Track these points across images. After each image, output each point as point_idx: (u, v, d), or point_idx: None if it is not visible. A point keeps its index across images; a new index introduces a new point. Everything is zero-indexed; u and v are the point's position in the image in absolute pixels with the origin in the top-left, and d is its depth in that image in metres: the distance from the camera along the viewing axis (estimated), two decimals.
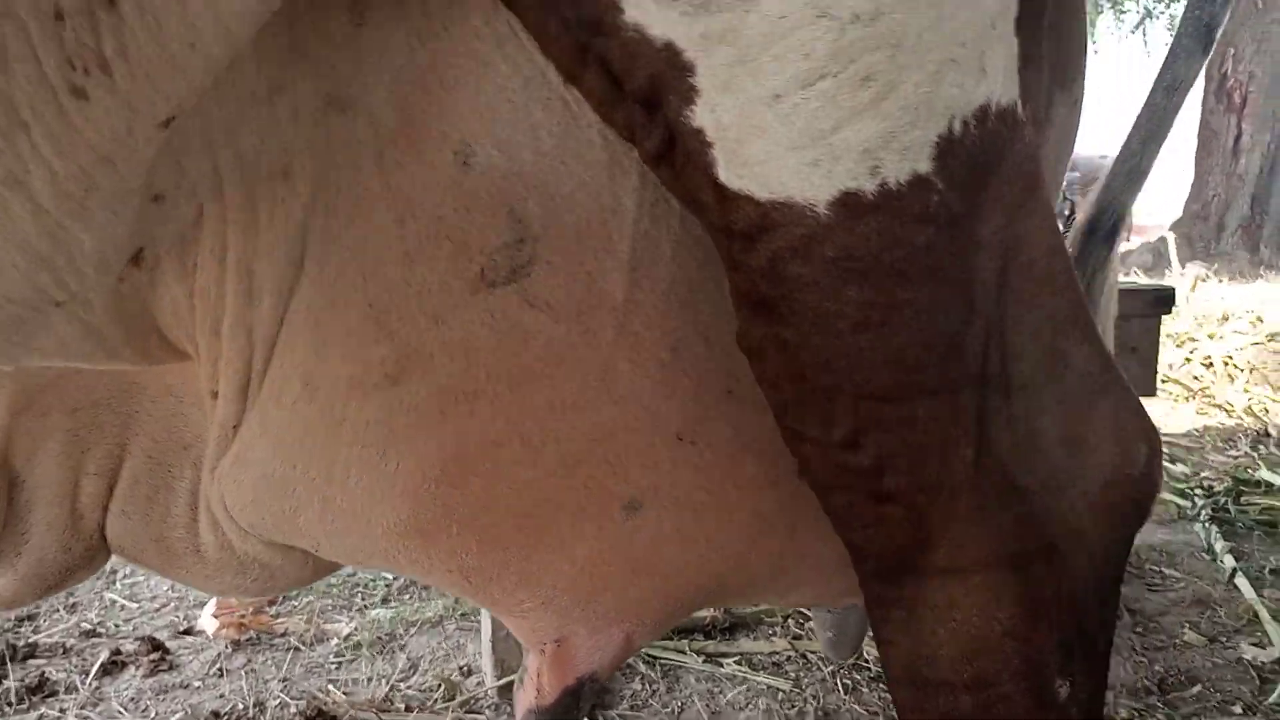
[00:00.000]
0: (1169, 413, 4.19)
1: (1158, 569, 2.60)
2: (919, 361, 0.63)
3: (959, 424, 0.65)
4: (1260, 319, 5.28)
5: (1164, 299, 2.09)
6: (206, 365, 0.68)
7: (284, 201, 0.61)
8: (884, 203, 0.59)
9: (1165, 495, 3.13)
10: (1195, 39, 0.84)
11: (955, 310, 0.65)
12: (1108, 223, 0.89)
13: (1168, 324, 5.14)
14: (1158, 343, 2.12)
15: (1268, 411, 4.17)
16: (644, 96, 0.58)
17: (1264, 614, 2.23)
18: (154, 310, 0.65)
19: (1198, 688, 1.96)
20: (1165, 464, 3.49)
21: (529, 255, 0.64)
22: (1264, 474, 3.27)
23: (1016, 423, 0.68)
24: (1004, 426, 0.68)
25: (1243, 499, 3.13)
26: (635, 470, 0.70)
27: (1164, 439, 3.83)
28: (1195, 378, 4.56)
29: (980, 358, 0.66)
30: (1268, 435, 3.88)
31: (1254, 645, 2.12)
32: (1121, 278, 4.42)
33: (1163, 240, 9.07)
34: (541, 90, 0.61)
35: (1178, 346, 4.94)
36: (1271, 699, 1.88)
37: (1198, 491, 3.14)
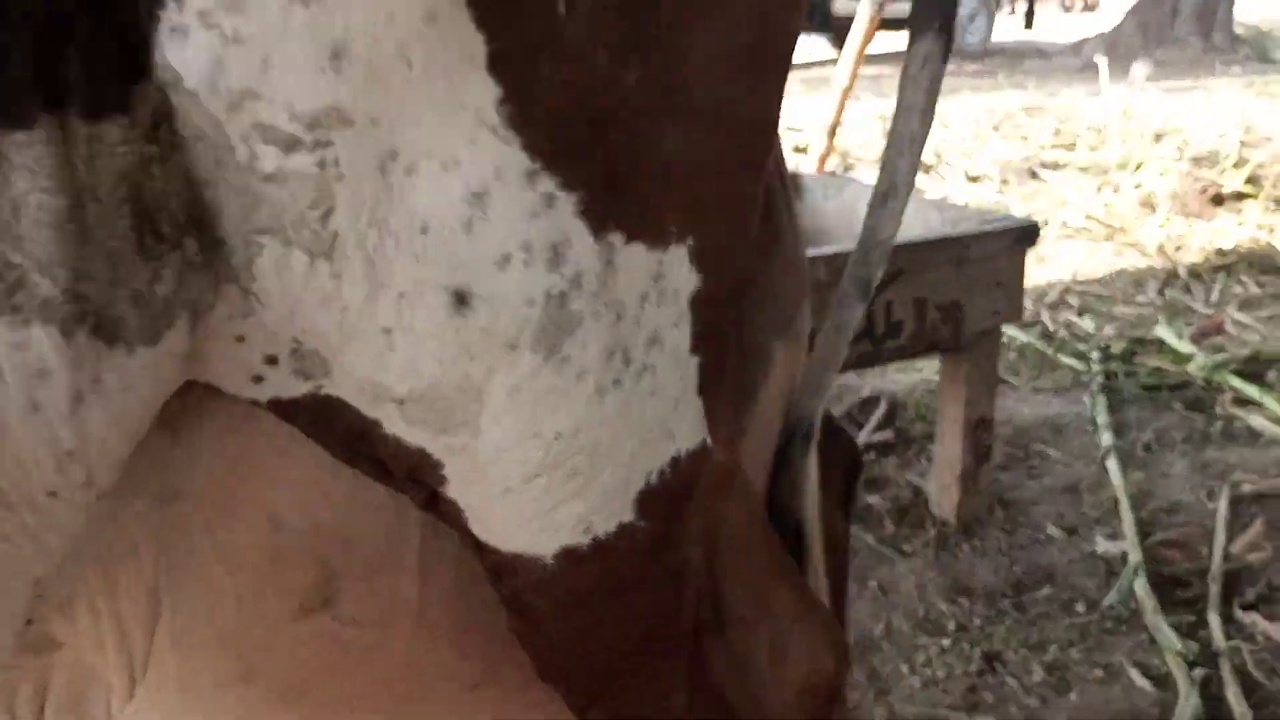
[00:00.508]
0: (1087, 255, 4.31)
1: (1042, 449, 2.78)
2: (637, 647, 0.79)
3: (674, 678, 0.81)
4: (1187, 142, 5.32)
5: (1026, 235, 2.18)
6: None
7: (136, 571, 0.76)
8: (596, 550, 0.75)
9: (1064, 359, 3.30)
10: (857, 291, 0.94)
11: (667, 598, 0.80)
12: (801, 433, 1.01)
13: (1095, 156, 5.19)
14: (1021, 276, 2.23)
15: (1179, 249, 4.29)
16: (408, 477, 0.71)
17: (1123, 502, 2.42)
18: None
19: (1048, 588, 2.17)
20: (1073, 318, 3.64)
21: (335, 588, 0.81)
22: (1161, 330, 3.42)
23: (732, 653, 0.85)
24: (720, 656, 0.85)
25: (1136, 359, 3.29)
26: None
27: (1078, 286, 3.97)
28: (1117, 213, 4.66)
29: (693, 619, 0.82)
30: (1177, 276, 4.02)
31: (1108, 538, 2.32)
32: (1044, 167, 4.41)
33: (1117, 36, 8.95)
34: (332, 465, 0.74)
35: (1111, 171, 5.01)
36: (1106, 600, 2.09)
37: (1094, 354, 3.30)
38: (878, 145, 5.28)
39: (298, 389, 0.69)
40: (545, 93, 0.64)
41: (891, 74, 8.35)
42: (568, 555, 0.75)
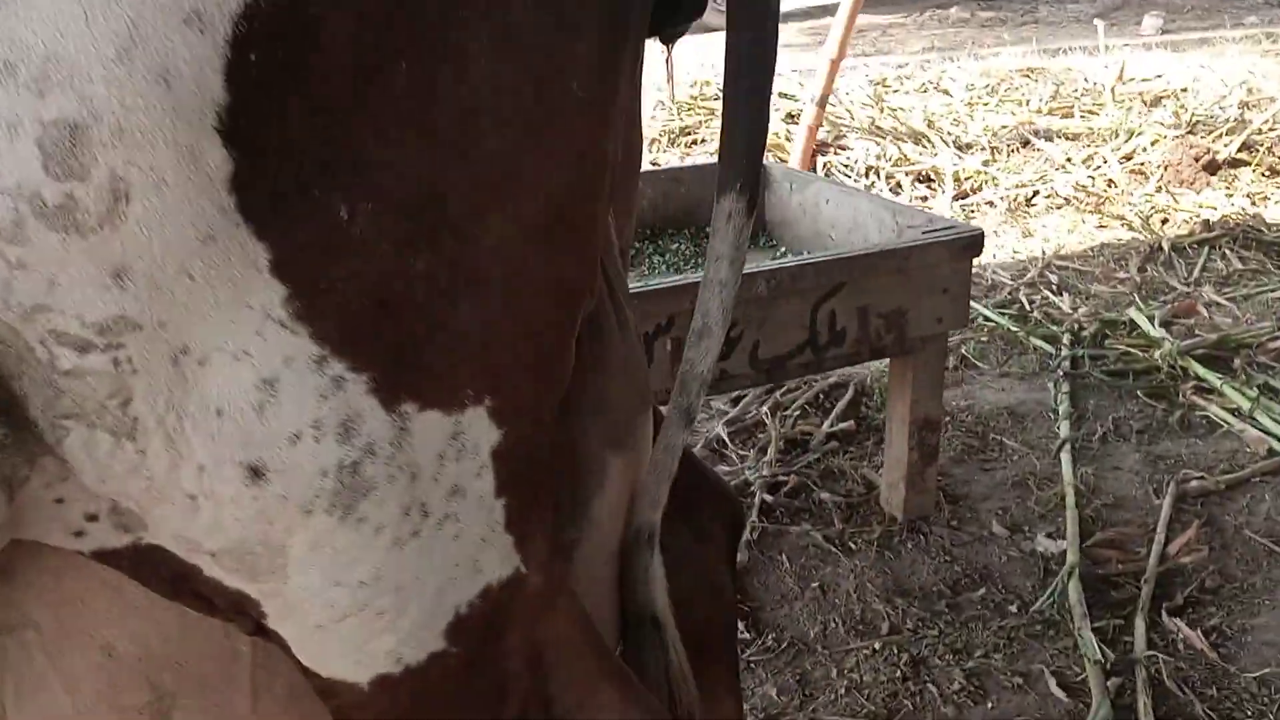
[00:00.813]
0: (1071, 228, 4.31)
1: (1000, 439, 2.83)
2: None
3: None
4: (1184, 106, 5.27)
5: (972, 245, 2.21)
6: None
7: None
8: (409, 676, 0.84)
9: (1035, 341, 3.33)
10: (680, 419, 1.02)
11: (487, 712, 0.89)
12: (644, 538, 1.08)
13: (1090, 123, 5.15)
14: (968, 282, 2.27)
15: (1165, 222, 4.28)
16: (231, 611, 0.79)
17: (1069, 498, 2.47)
18: None
19: (984, 589, 2.24)
20: (1051, 297, 3.66)
21: (169, 705, 0.91)
22: (1134, 311, 3.44)
23: None
24: None
25: (1106, 342, 3.32)
26: None
27: (1059, 262, 3.98)
28: (1109, 183, 4.63)
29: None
30: (1160, 251, 4.01)
31: (1050, 536, 2.38)
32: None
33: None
34: (161, 600, 0.82)
35: (1105, 139, 4.97)
36: (1037, 604, 2.16)
37: (1065, 338, 3.32)
38: (869, 113, 5.25)
39: (120, 540, 0.77)
40: (332, 287, 0.71)
41: (889, 29, 8.25)
42: (382, 682, 0.83)
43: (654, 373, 1.89)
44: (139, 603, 0.85)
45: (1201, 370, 3.00)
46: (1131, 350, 3.22)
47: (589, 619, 0.96)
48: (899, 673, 1.99)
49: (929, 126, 5.02)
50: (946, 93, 5.66)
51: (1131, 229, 4.23)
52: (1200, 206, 4.36)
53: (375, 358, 0.74)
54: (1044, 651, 2.03)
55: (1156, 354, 3.13)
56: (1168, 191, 4.52)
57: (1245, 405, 2.79)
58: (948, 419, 2.83)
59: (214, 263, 0.67)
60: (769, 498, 2.54)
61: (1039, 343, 3.32)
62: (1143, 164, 4.71)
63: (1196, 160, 4.66)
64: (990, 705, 1.90)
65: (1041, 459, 2.71)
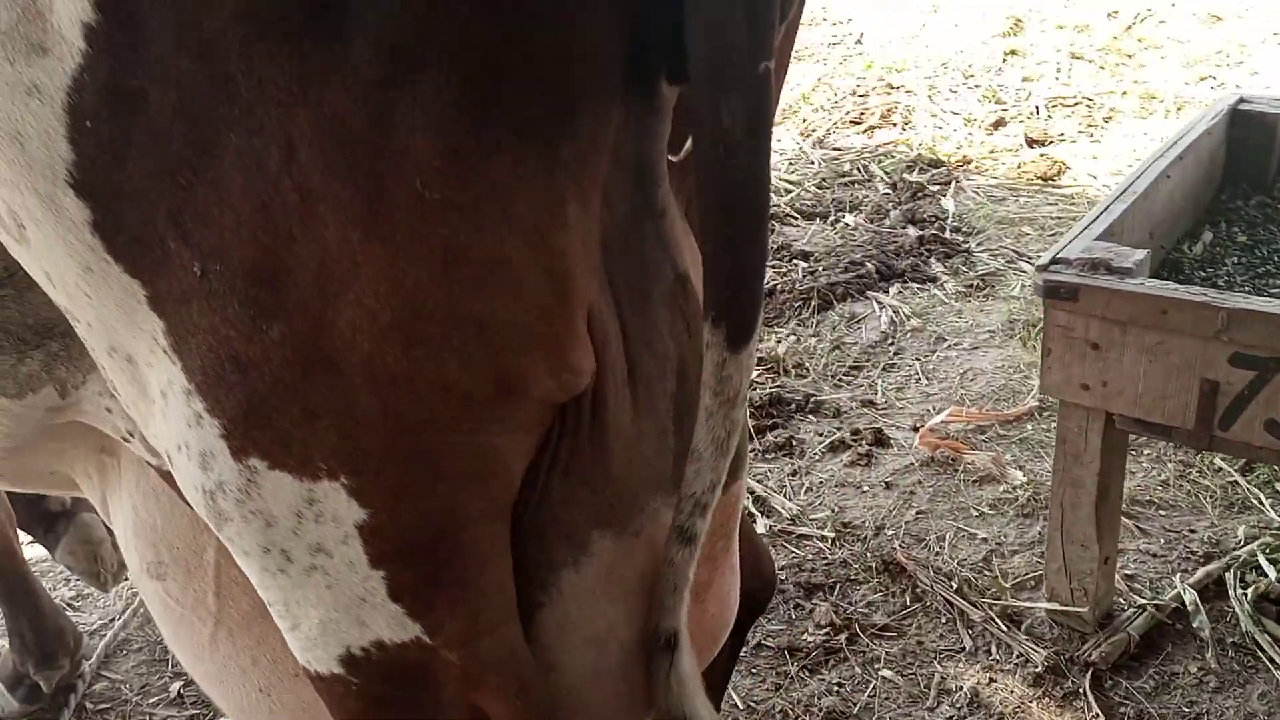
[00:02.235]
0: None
1: None
2: None
3: None
4: None
5: None
6: None
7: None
8: (320, 683, 1.01)
9: None
10: (676, 540, 1.03)
11: None
12: (661, 643, 1.07)
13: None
14: None
15: None
16: None
17: None
18: None
19: None
20: None
21: (165, 573, 1.22)
22: None
23: None
24: None
25: None
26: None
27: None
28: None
29: None
30: None
31: None
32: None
33: None
34: (167, 492, 1.16)
35: None
36: None
37: None
38: None
39: (150, 457, 1.03)
40: (195, 332, 0.81)
41: None
42: (309, 672, 0.99)
43: None
44: (155, 486, 1.10)
45: None
46: None
47: (535, 702, 1.02)
48: None
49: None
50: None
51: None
52: None
53: (227, 408, 0.83)
54: None
55: None
56: None
57: None
58: None
59: (101, 289, 0.80)
60: None
61: None
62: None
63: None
64: None
65: None
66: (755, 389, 3.21)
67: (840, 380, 3.36)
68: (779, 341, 3.53)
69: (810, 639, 2.40)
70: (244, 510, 0.88)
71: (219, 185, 0.76)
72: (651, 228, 1.00)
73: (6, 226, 0.83)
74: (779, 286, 3.82)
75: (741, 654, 1.91)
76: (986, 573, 2.53)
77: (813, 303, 3.70)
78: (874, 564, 2.59)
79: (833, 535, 2.69)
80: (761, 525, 2.72)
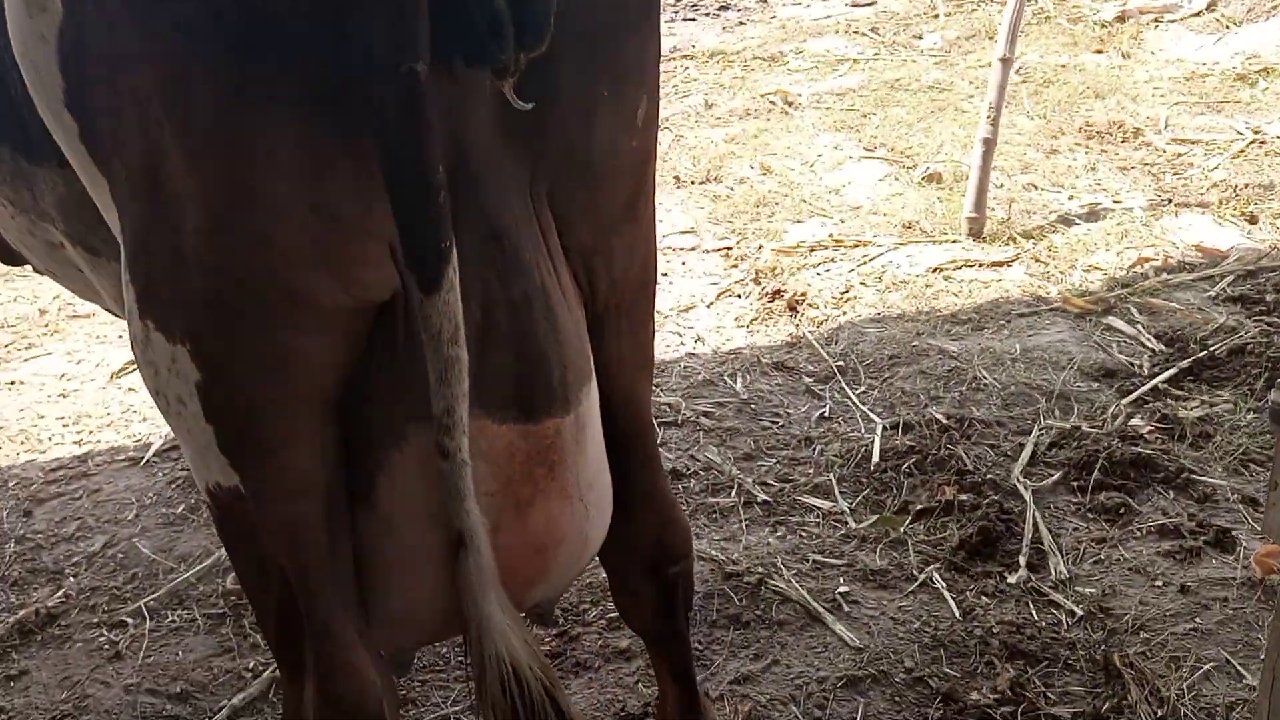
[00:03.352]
0: None
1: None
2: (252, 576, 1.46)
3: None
4: None
5: None
6: None
7: None
8: (208, 495, 1.39)
9: None
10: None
11: (255, 564, 1.42)
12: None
13: None
14: None
15: None
16: None
17: None
18: None
19: None
20: None
21: None
22: None
23: None
24: None
25: None
26: None
27: None
28: None
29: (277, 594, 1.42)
30: None
31: None
32: None
33: None
34: None
35: None
36: None
37: None
38: None
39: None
40: (127, 222, 1.28)
41: None
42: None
43: None
44: None
45: None
46: None
47: (332, 540, 1.36)
48: None
49: None
50: None
51: None
52: None
53: (137, 279, 1.27)
54: None
55: None
56: None
57: None
58: None
59: (95, 184, 1.28)
60: None
61: None
62: None
63: None
64: None
65: None
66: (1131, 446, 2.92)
67: (1241, 466, 2.89)
68: (1200, 406, 3.11)
69: None
70: (144, 358, 1.33)
71: (126, 117, 1.18)
72: (468, 190, 1.26)
73: (54, 133, 1.35)
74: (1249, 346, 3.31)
75: None
76: None
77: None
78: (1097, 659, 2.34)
79: (1081, 612, 2.46)
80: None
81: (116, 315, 1.85)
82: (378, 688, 1.42)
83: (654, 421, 1.73)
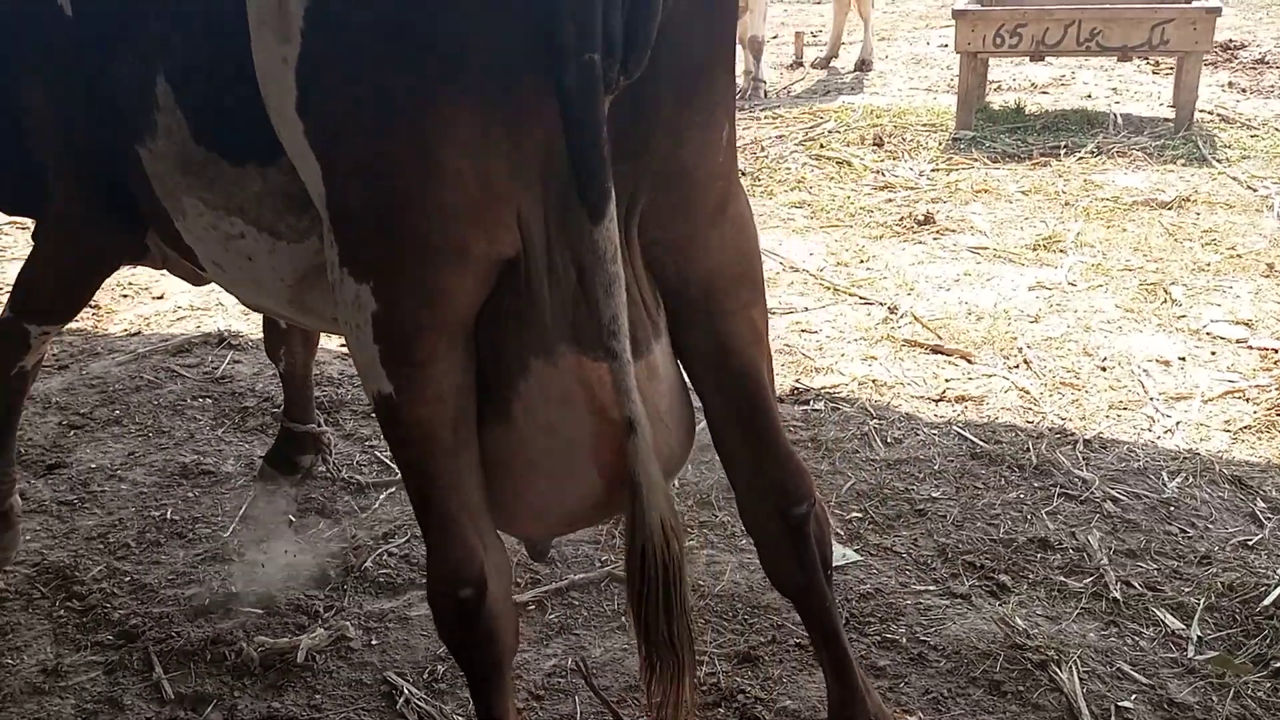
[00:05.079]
0: None
1: None
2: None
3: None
4: None
5: None
6: None
7: None
8: (374, 399, 1.85)
9: None
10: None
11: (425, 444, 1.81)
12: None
13: None
14: None
15: None
16: None
17: None
18: None
19: None
20: None
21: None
22: None
23: None
24: None
25: None
26: None
27: None
28: None
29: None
30: None
31: None
32: None
33: None
34: None
35: None
36: None
37: None
38: None
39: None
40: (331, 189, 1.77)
41: None
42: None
43: None
44: None
45: None
46: None
47: (457, 441, 1.76)
48: None
49: None
50: None
51: None
52: None
53: (340, 239, 1.70)
54: None
55: None
56: None
57: None
58: None
59: (302, 163, 1.76)
60: None
61: None
62: None
63: None
64: None
65: None
66: None
67: None
68: None
69: None
70: (340, 297, 1.74)
71: (342, 116, 1.66)
72: (570, 185, 1.65)
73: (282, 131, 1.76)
74: None
75: None
76: None
77: None
78: None
79: None
80: None
81: (254, 303, 2.33)
82: (481, 558, 1.80)
83: (773, 387, 1.99)
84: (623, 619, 2.74)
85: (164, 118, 2.00)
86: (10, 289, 2.71)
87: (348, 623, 2.75)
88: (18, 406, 2.90)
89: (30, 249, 2.64)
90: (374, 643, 2.71)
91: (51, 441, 3.78)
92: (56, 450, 3.73)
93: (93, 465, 3.61)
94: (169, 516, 3.30)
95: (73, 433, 3.85)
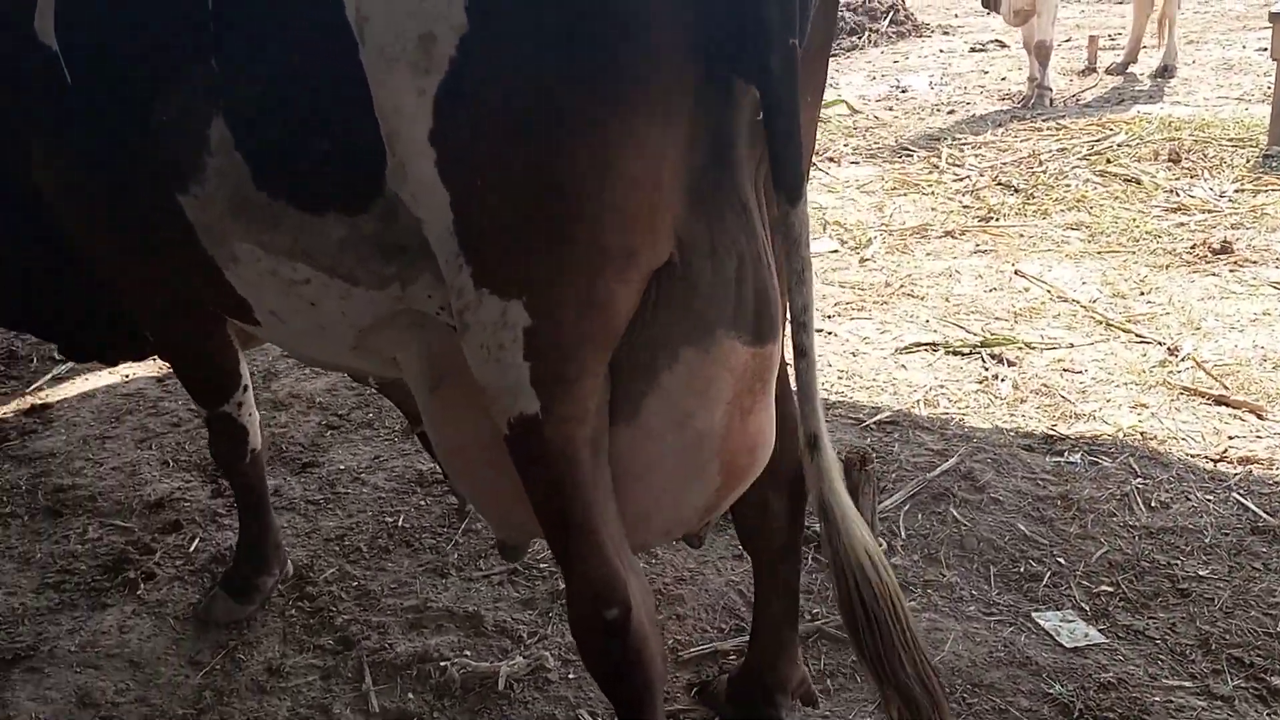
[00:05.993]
0: None
1: None
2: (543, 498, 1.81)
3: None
4: None
5: None
6: None
7: None
8: (508, 429, 1.75)
9: None
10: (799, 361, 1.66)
11: (554, 477, 1.74)
12: (805, 442, 1.57)
13: None
14: None
15: None
16: None
17: None
18: None
19: None
20: None
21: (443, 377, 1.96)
22: None
23: None
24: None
25: None
26: None
27: None
28: None
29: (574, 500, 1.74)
30: None
31: None
32: None
33: None
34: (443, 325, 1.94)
35: None
36: None
37: None
38: None
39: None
40: (468, 202, 1.68)
41: None
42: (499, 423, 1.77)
43: None
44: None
45: None
46: None
47: (574, 475, 1.70)
48: None
49: None
50: None
51: None
52: None
53: (472, 261, 1.61)
54: None
55: None
56: None
57: None
58: None
59: (427, 191, 1.66)
60: None
61: None
62: None
63: None
64: None
65: None
66: None
67: None
68: None
69: None
70: (474, 319, 1.64)
71: (477, 142, 1.58)
72: (727, 177, 1.66)
73: (397, 178, 1.64)
74: None
75: None
76: None
77: None
78: None
79: None
80: None
81: (307, 353, 2.24)
82: (624, 577, 1.72)
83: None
84: (843, 678, 2.57)
85: (216, 160, 1.82)
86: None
87: (548, 653, 2.73)
88: (263, 491, 3.06)
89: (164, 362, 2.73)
90: (570, 676, 2.67)
91: (310, 440, 4.01)
92: (313, 449, 3.96)
93: (341, 466, 3.80)
94: (400, 524, 3.41)
95: (329, 433, 4.07)
